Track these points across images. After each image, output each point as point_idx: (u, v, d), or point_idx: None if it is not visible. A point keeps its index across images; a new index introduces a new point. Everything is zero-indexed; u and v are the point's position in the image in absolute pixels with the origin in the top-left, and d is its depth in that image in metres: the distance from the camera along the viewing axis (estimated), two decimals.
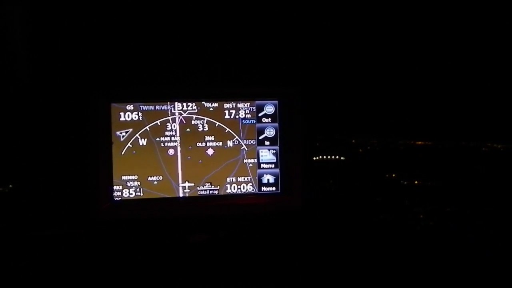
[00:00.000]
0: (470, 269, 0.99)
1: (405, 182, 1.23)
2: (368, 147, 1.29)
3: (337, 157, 1.25)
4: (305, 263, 1.04)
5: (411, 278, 0.97)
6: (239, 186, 1.09)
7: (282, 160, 1.10)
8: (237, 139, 1.09)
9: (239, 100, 1.09)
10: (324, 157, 1.23)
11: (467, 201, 1.15)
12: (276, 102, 1.10)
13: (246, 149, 1.09)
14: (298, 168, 1.09)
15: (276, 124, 1.10)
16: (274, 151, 1.10)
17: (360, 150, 1.28)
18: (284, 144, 1.10)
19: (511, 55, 1.13)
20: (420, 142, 1.27)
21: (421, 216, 1.15)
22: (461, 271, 0.98)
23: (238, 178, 1.09)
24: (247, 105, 1.09)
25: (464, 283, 0.96)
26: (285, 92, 1.10)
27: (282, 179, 1.10)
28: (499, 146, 1.20)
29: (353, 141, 1.30)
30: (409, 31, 1.15)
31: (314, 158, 1.20)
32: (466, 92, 1.18)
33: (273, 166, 1.10)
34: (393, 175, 1.25)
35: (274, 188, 1.10)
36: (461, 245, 1.07)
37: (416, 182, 1.23)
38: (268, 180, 1.10)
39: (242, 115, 1.09)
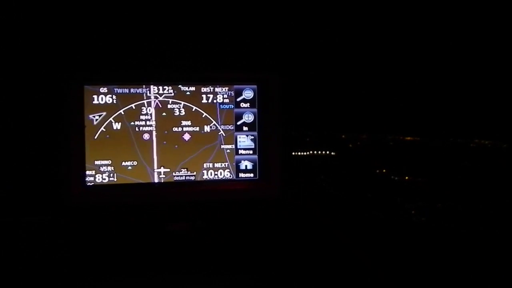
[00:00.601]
0: (462, 265, 0.98)
1: (396, 178, 1.22)
2: (358, 143, 1.28)
3: (327, 152, 1.24)
4: (283, 252, 1.02)
5: (403, 274, 0.95)
6: (216, 172, 1.06)
7: (261, 147, 1.08)
8: (214, 124, 1.06)
9: (217, 84, 1.06)
10: (314, 152, 1.22)
11: (457, 196, 1.15)
12: (255, 87, 1.08)
13: (224, 135, 1.07)
14: (276, 154, 1.07)
15: (255, 110, 1.08)
16: (253, 137, 1.08)
17: (350, 145, 1.27)
18: (263, 130, 1.08)
19: (498, 52, 1.12)
20: (409, 138, 1.26)
21: (413, 212, 1.15)
22: (453, 267, 0.97)
23: (215, 164, 1.06)
24: (225, 89, 1.07)
25: (456, 279, 0.95)
26: (264, 77, 1.07)
27: (260, 166, 1.08)
28: (486, 142, 1.20)
29: (343, 136, 1.29)
30: (400, 24, 1.13)
31: (304, 153, 1.19)
32: (454, 88, 1.17)
33: (251, 152, 1.08)
34: (384, 170, 1.24)
35: (252, 175, 1.08)
36: (453, 241, 1.07)
37: (406, 177, 1.22)
38: (246, 166, 1.08)
39: (220, 99, 1.06)
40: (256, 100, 1.08)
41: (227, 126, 1.07)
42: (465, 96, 1.17)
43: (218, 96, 1.06)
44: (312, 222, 1.11)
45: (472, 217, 1.11)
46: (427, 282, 0.93)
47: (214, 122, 1.06)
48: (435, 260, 0.99)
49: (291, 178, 1.11)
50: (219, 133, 1.06)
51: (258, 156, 1.08)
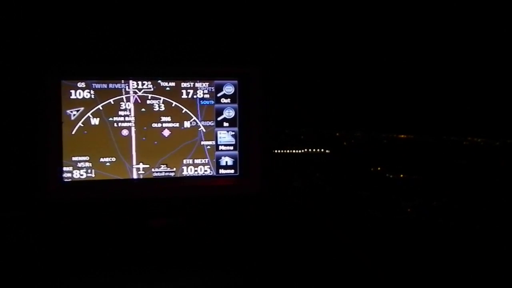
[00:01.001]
0: (459, 262, 0.98)
1: (391, 176, 1.22)
2: (352, 140, 1.27)
3: (322, 150, 1.23)
4: (264, 248, 1.02)
5: (398, 271, 0.94)
6: (196, 169, 1.06)
7: (242, 142, 1.07)
8: (194, 120, 1.05)
9: (197, 80, 1.05)
10: (309, 150, 1.21)
11: (452, 194, 1.15)
12: (235, 82, 1.07)
13: (204, 131, 1.06)
14: (257, 150, 1.06)
15: (236, 105, 1.07)
16: (233, 133, 1.07)
17: (345, 143, 1.27)
18: (244, 125, 1.07)
19: (489, 51, 1.11)
20: (403, 136, 1.26)
21: (409, 210, 1.15)
22: (450, 264, 0.97)
23: (195, 160, 1.05)
24: (206, 85, 1.05)
25: (453, 276, 0.94)
26: (245, 72, 1.06)
27: (241, 162, 1.08)
28: (479, 140, 1.20)
29: (337, 134, 1.28)
30: (393, 19, 1.11)
31: (300, 151, 1.18)
32: (447, 87, 1.17)
33: (232, 148, 1.07)
34: (379, 168, 1.24)
35: (232, 171, 1.08)
36: (450, 239, 1.07)
37: (401, 175, 1.22)
38: (226, 162, 1.07)
39: (200, 95, 1.05)
40: (237, 96, 1.07)
41: (207, 122, 1.06)
42: (458, 94, 1.16)
43: (198, 91, 1.05)
44: (294, 218, 1.10)
45: (468, 214, 1.12)
46: (424, 279, 0.92)
47: (194, 118, 1.05)
48: (432, 258, 0.98)
49: (273, 174, 1.11)
50: (199, 129, 1.05)
51: (239, 152, 1.08)
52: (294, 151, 1.26)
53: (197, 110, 1.05)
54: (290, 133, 1.29)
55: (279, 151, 1.24)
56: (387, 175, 1.24)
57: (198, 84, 1.05)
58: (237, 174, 1.08)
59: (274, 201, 1.09)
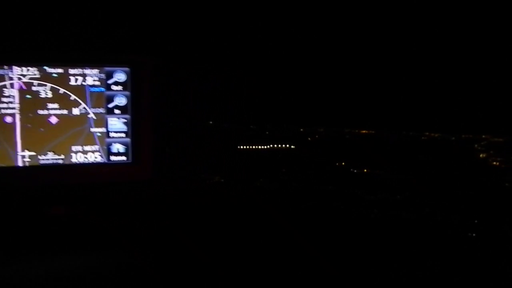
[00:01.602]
0: (424, 257, 0.99)
1: (355, 171, 1.25)
2: (317, 136, 1.29)
3: (286, 145, 1.24)
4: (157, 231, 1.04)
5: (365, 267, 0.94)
6: (85, 156, 1.06)
7: (134, 130, 1.08)
8: (84, 107, 1.05)
9: (86, 66, 1.04)
10: (274, 146, 1.22)
11: (414, 188, 1.18)
12: (127, 69, 1.07)
13: (94, 118, 1.06)
14: (148, 137, 1.08)
15: (128, 93, 1.08)
16: (125, 120, 1.08)
17: (309, 138, 1.29)
18: (136, 113, 1.08)
19: (449, 47, 1.12)
20: (364, 131, 1.28)
21: (373, 203, 1.17)
22: (415, 259, 0.98)
23: (85, 147, 1.05)
24: (96, 71, 1.05)
25: (417, 271, 0.96)
26: (137, 60, 1.07)
27: (133, 149, 1.09)
28: (436, 135, 1.25)
29: (301, 129, 1.29)
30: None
31: (263, 147, 1.19)
32: (406, 82, 1.18)
33: (123, 135, 1.08)
34: (343, 163, 1.26)
35: (124, 158, 1.09)
36: (416, 233, 1.09)
37: (365, 170, 1.25)
38: (118, 149, 1.08)
39: (89, 82, 1.05)
40: (129, 83, 1.07)
41: (97, 109, 1.06)
42: (417, 89, 1.18)
43: (87, 78, 1.04)
44: (187, 204, 1.14)
45: (429, 207, 1.15)
46: (387, 272, 0.93)
47: (83, 104, 1.05)
48: (396, 251, 1.00)
49: (166, 160, 1.13)
50: (89, 116, 1.05)
51: (131, 139, 1.09)
52: (259, 146, 1.27)
53: (87, 97, 1.05)
54: (255, 129, 1.30)
55: (243, 147, 1.25)
56: (351, 169, 1.26)
57: (87, 71, 1.04)
58: (130, 161, 1.09)
59: (166, 187, 1.12)
